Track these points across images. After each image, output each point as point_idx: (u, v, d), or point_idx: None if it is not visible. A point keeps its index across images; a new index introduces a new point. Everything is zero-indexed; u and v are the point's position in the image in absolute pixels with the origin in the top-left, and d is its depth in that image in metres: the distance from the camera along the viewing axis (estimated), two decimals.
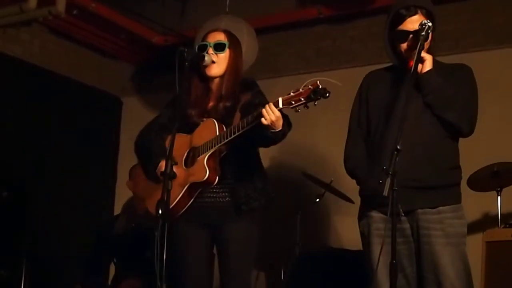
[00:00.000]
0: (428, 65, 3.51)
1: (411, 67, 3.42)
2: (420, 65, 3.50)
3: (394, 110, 3.55)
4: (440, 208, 3.49)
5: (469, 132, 3.58)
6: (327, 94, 3.33)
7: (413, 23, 3.53)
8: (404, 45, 3.56)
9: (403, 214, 3.46)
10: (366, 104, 3.76)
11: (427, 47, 3.56)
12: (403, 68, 3.55)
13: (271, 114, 3.47)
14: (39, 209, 6.62)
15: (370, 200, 3.50)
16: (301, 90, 3.40)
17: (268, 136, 3.59)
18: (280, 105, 3.46)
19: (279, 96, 3.49)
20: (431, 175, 3.48)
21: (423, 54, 3.49)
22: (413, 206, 3.48)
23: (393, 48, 3.66)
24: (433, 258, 3.45)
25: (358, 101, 3.85)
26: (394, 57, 3.67)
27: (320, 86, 3.34)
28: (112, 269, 6.19)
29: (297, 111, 3.44)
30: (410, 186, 3.42)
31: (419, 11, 3.55)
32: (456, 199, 3.57)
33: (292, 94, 3.43)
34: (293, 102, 3.41)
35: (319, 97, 3.34)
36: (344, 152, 3.82)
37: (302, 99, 3.38)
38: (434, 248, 3.45)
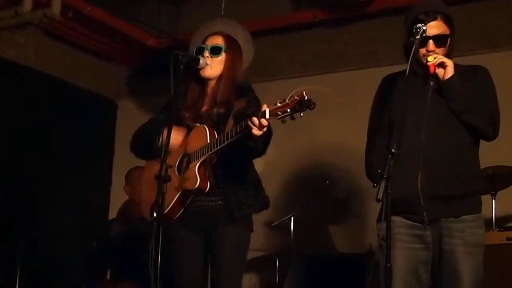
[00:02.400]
0: (450, 71, 3.46)
1: (433, 73, 3.44)
2: (441, 71, 3.47)
3: (409, 115, 3.52)
4: (463, 217, 3.46)
5: (495, 135, 3.56)
6: (313, 106, 3.29)
7: (432, 28, 3.48)
8: (423, 50, 3.51)
9: (428, 223, 3.44)
10: (388, 108, 3.67)
11: (445, 52, 3.53)
12: (423, 74, 3.50)
13: (258, 125, 3.45)
14: (34, 213, 6.61)
15: (395, 206, 3.29)
16: (287, 101, 3.36)
17: (249, 145, 3.58)
18: (267, 116, 3.43)
19: (268, 105, 3.47)
20: (456, 184, 3.45)
21: (445, 59, 3.46)
22: (437, 215, 3.46)
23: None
24: (454, 266, 3.43)
25: (380, 105, 3.75)
26: (413, 62, 3.62)
27: (306, 97, 3.30)
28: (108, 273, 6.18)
29: (283, 121, 3.41)
30: (435, 195, 3.41)
31: (438, 17, 3.52)
32: (477, 208, 3.54)
33: (278, 105, 3.40)
34: (279, 113, 3.38)
35: (304, 108, 3.30)
36: (365, 160, 3.75)
37: (288, 110, 3.35)
38: (456, 255, 3.43)
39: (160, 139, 3.86)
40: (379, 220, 3.67)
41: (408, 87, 3.56)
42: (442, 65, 3.47)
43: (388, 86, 3.77)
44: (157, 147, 3.86)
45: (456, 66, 3.56)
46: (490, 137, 3.57)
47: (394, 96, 3.65)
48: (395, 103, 3.62)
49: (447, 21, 3.55)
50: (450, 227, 3.46)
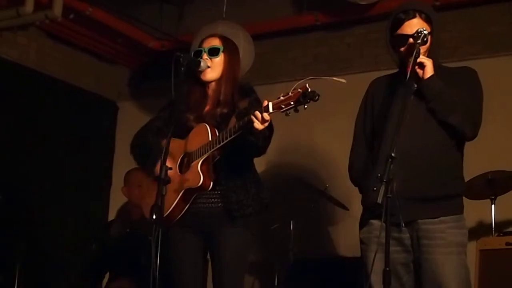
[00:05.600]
0: (429, 71, 3.47)
1: (407, 67, 3.41)
2: (420, 71, 3.47)
3: (392, 117, 3.53)
4: (442, 218, 3.46)
5: (473, 135, 3.54)
6: (317, 97, 3.29)
7: (411, 26, 3.51)
8: (403, 49, 3.55)
9: (403, 225, 3.43)
10: (371, 112, 3.72)
11: (424, 50, 3.52)
12: (405, 73, 3.47)
13: (260, 119, 3.46)
14: (34, 213, 6.62)
15: (373, 210, 3.39)
16: (290, 93, 3.37)
17: (250, 140, 3.59)
18: (270, 110, 3.44)
19: (269, 100, 3.46)
20: (433, 186, 3.45)
21: (424, 59, 3.46)
22: (414, 217, 3.46)
23: (395, 52, 3.64)
24: (435, 267, 3.43)
25: (363, 108, 3.80)
26: (398, 62, 3.65)
27: (309, 89, 3.30)
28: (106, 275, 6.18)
29: (287, 115, 3.41)
30: (411, 197, 3.41)
31: (417, 15, 3.54)
32: (457, 210, 3.54)
33: (282, 98, 3.40)
34: (283, 106, 3.39)
35: (308, 100, 3.30)
36: (349, 161, 3.81)
37: (292, 102, 3.35)
38: (436, 257, 3.43)
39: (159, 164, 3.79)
40: (361, 225, 3.69)
41: (391, 89, 3.59)
42: (420, 65, 3.47)
43: (375, 89, 3.79)
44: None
45: (440, 67, 3.58)
46: (467, 136, 3.56)
47: (380, 99, 3.68)
48: (380, 106, 3.65)
49: (427, 19, 3.56)
50: (427, 228, 3.46)
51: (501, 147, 5.77)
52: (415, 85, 3.46)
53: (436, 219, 3.46)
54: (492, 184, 5.19)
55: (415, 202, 3.43)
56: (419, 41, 3.42)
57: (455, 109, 3.46)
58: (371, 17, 6.56)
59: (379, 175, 3.07)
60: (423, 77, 3.48)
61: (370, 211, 3.53)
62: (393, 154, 3.06)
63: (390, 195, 3.03)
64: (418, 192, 3.44)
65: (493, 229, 5.15)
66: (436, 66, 3.51)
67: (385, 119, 3.57)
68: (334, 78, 3.42)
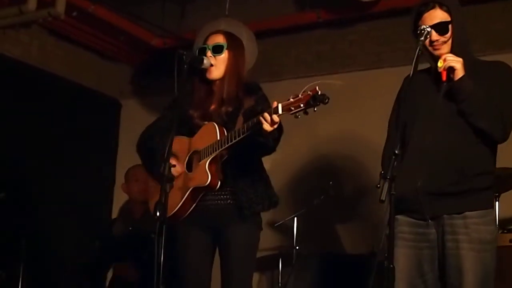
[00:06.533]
0: (459, 73, 3.45)
1: (445, 80, 3.43)
2: (453, 73, 3.45)
3: (419, 114, 3.52)
4: (466, 213, 3.46)
5: (503, 138, 3.54)
6: (327, 100, 3.29)
7: (431, 18, 3.52)
8: (426, 42, 3.52)
9: (429, 220, 3.46)
10: (404, 107, 3.68)
11: (444, 40, 3.51)
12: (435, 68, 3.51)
13: (269, 121, 3.46)
14: (37, 210, 6.62)
15: (399, 205, 3.29)
16: (300, 96, 3.36)
17: (260, 141, 3.59)
18: (280, 112, 3.43)
19: (278, 101, 3.46)
20: (457, 181, 3.44)
21: (453, 62, 3.43)
22: (438, 211, 3.47)
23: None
24: (457, 262, 3.43)
25: (397, 104, 3.80)
26: (417, 64, 3.64)
27: (319, 92, 3.30)
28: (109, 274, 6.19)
29: (296, 117, 3.40)
30: (435, 192, 3.42)
31: (437, 6, 3.53)
32: (484, 204, 3.53)
33: (291, 100, 3.39)
34: (293, 108, 3.38)
35: (318, 103, 3.30)
36: (381, 157, 3.79)
37: (302, 105, 3.34)
38: (459, 252, 3.43)
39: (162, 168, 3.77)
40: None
41: (422, 85, 3.57)
42: (451, 68, 3.46)
43: (407, 85, 3.78)
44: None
45: (474, 62, 3.58)
46: (498, 140, 3.57)
47: (407, 94, 3.67)
48: (405, 102, 3.64)
49: (448, 10, 3.55)
50: (452, 223, 3.46)
51: (505, 143, 5.74)
52: (445, 84, 3.45)
53: (460, 214, 3.46)
54: (496, 181, 5.17)
55: (440, 197, 3.44)
56: (422, 38, 3.42)
57: (485, 112, 3.45)
58: (373, 15, 6.56)
59: (382, 172, 3.07)
60: (454, 78, 3.46)
61: (397, 207, 3.48)
62: (396, 151, 3.06)
63: (394, 192, 3.02)
64: (442, 187, 3.44)
65: (497, 226, 5.14)
66: (468, 61, 3.50)
67: (409, 116, 3.56)
68: (329, 82, 3.42)
